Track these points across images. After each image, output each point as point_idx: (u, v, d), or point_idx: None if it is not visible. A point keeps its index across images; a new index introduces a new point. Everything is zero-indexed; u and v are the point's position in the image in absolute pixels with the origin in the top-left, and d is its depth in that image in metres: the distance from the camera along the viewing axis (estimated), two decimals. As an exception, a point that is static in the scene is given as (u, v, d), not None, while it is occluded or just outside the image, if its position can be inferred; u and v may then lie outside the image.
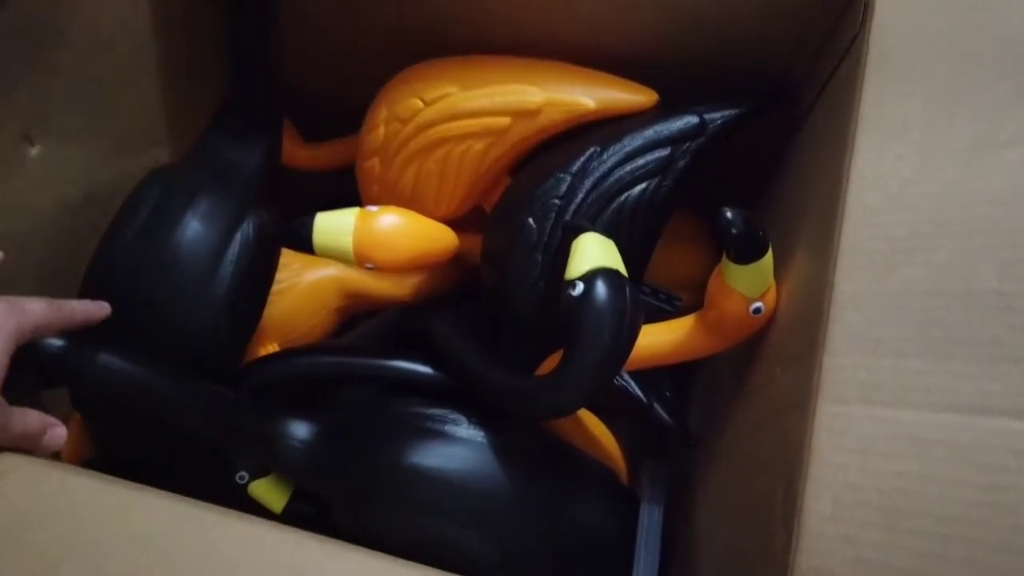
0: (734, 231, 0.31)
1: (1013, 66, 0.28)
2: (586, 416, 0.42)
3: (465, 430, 0.35)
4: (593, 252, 0.32)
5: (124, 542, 0.24)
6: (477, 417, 0.36)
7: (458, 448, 0.35)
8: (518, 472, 0.35)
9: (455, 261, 0.46)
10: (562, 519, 0.36)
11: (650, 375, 0.42)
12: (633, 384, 0.42)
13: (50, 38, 0.36)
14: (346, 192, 0.49)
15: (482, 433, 0.35)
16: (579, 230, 0.34)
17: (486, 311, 0.45)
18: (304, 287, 0.46)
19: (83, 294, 0.36)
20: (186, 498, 0.26)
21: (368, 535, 0.34)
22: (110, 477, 0.26)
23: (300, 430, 0.36)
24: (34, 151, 0.36)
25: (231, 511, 0.26)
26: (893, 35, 0.31)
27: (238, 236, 0.37)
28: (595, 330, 0.30)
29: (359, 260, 0.37)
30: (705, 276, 0.38)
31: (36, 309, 0.30)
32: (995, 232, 0.26)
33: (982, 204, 0.26)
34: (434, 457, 0.34)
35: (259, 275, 0.39)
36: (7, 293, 0.36)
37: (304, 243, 0.37)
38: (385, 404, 0.38)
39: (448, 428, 0.35)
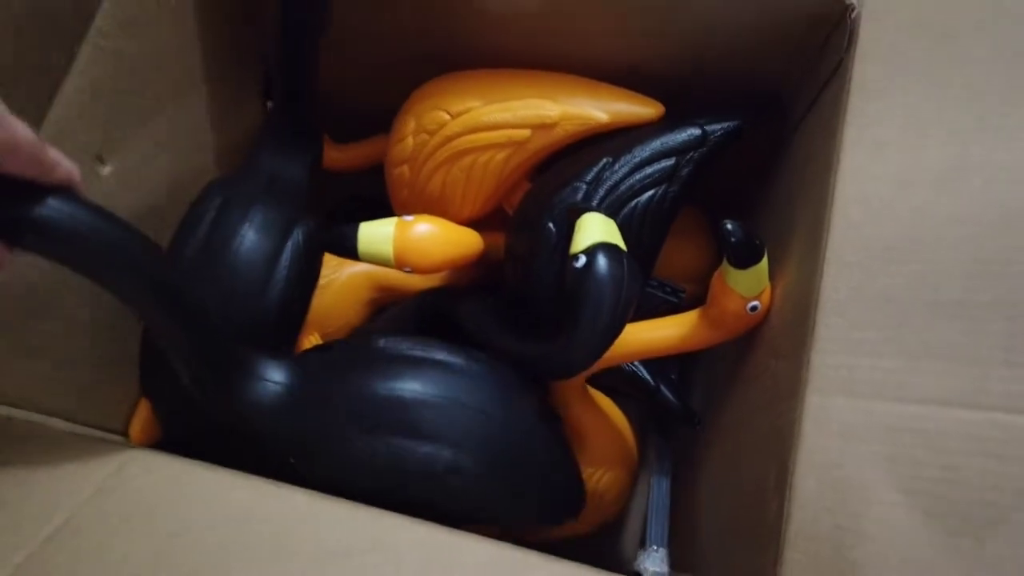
0: (734, 240, 0.35)
1: (979, 95, 0.31)
2: (601, 398, 0.46)
3: (433, 353, 0.37)
4: (594, 229, 0.35)
5: (226, 520, 0.28)
6: (446, 345, 0.38)
7: (423, 370, 0.36)
8: (476, 392, 0.37)
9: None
10: (519, 429, 0.38)
11: (658, 362, 0.46)
12: (642, 369, 0.47)
13: (113, 65, 0.39)
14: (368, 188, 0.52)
15: (444, 355, 0.37)
16: (582, 210, 0.37)
17: (507, 303, 0.49)
18: (341, 282, 0.50)
19: None
20: (272, 481, 0.31)
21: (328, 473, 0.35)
22: (210, 464, 0.31)
23: (277, 373, 0.36)
24: (106, 170, 0.39)
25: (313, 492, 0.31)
26: (873, 63, 0.34)
27: (289, 244, 0.41)
28: (597, 297, 0.33)
29: (399, 265, 0.41)
30: (706, 266, 0.41)
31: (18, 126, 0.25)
32: (960, 248, 0.29)
33: (950, 223, 0.29)
34: (405, 380, 0.36)
35: (308, 277, 0.43)
36: (81, 305, 0.39)
37: (350, 251, 0.41)
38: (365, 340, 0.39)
39: (416, 353, 0.37)
